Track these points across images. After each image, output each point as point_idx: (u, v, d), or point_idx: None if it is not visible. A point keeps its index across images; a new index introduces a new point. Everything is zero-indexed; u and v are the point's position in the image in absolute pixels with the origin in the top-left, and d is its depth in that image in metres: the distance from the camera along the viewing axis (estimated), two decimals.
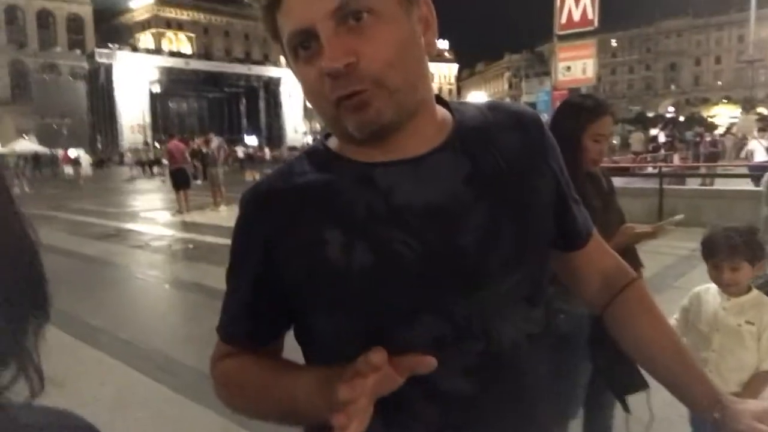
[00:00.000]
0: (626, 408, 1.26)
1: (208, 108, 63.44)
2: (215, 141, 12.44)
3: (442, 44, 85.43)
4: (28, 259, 0.46)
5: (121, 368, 3.71)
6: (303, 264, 0.71)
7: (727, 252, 1.80)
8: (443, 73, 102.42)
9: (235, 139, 43.94)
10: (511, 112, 0.82)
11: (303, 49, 0.69)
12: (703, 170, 12.51)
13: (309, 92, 0.71)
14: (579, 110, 1.93)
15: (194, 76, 55.76)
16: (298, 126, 61.40)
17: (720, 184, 9.66)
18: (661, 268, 5.29)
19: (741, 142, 15.36)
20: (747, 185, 8.54)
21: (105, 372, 3.67)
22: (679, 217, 2.02)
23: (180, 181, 11.71)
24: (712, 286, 1.90)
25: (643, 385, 1.23)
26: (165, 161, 11.94)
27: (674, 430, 2.06)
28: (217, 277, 5.03)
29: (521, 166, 0.77)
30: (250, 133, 57.26)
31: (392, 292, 0.70)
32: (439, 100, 0.79)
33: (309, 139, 54.72)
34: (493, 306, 0.72)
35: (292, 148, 43.19)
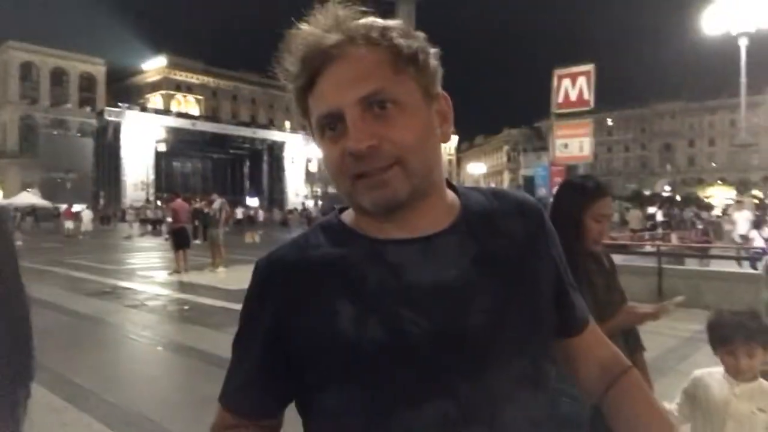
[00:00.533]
0: None
1: (212, 168, 64.41)
2: (217, 201, 12.53)
3: None
4: (20, 321, 0.46)
5: None
6: (314, 334, 0.73)
7: (743, 338, 1.78)
8: (443, 145, 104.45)
9: (238, 200, 44.40)
10: (514, 199, 0.86)
11: (330, 129, 0.74)
12: (700, 251, 12.55)
13: (330, 168, 0.76)
14: (580, 191, 1.98)
15: (200, 136, 57.01)
16: (299, 189, 62.14)
17: (717, 266, 9.68)
18: (663, 350, 5.21)
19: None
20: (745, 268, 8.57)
21: None
22: (680, 298, 2.01)
23: (181, 240, 11.70)
24: (716, 370, 1.86)
25: None
26: (169, 219, 11.96)
27: None
28: (212, 341, 5.05)
29: (524, 252, 0.80)
30: (252, 195, 57.87)
31: (400, 368, 0.71)
32: (449, 184, 0.83)
33: (310, 202, 55.25)
34: (498, 389, 0.73)
35: (291, 211, 43.68)
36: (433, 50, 0.76)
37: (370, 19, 0.74)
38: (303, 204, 50.87)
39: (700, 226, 16.68)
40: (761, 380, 1.82)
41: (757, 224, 10.66)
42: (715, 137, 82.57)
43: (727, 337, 1.81)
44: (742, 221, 10.80)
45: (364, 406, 0.70)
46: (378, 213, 0.75)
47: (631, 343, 2.01)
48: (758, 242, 10.07)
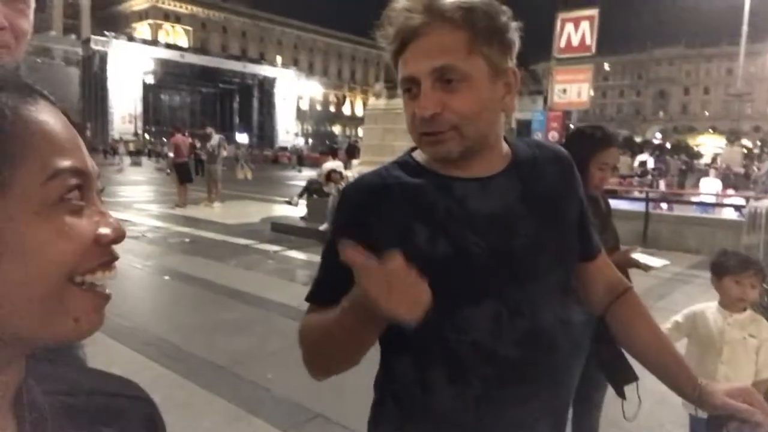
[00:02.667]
0: (623, 395, 1.47)
1: (201, 102, 63.19)
2: (215, 137, 12.48)
3: None
4: None
5: (127, 353, 3.78)
6: (397, 246, 0.86)
7: (755, 270, 2.08)
8: None
9: (227, 136, 43.85)
10: (551, 150, 1.08)
11: (408, 91, 0.94)
12: (687, 197, 12.87)
13: (406, 120, 0.97)
14: (589, 139, 2.16)
15: (189, 69, 55.52)
16: (290, 127, 61.41)
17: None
18: (643, 289, 5.52)
19: (724, 172, 15.82)
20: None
21: (111, 355, 3.77)
22: (664, 262, 2.28)
23: (184, 174, 11.72)
24: (709, 306, 2.17)
25: (635, 377, 1.45)
26: (171, 154, 11.90)
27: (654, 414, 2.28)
28: (216, 272, 5.31)
29: (558, 192, 1.02)
30: (241, 131, 57.15)
31: (464, 278, 0.92)
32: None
33: (300, 141, 54.78)
34: (536, 294, 0.95)
35: (282, 149, 43.40)
36: (514, 25, 0.92)
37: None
38: (294, 146, 50.34)
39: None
40: (750, 311, 2.13)
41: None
42: (710, 86, 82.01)
43: (742, 266, 2.08)
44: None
45: (435, 303, 0.86)
46: (436, 161, 0.95)
47: None
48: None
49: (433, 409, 0.95)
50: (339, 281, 0.89)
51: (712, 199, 10.53)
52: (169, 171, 12.10)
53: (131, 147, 30.94)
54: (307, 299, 1.02)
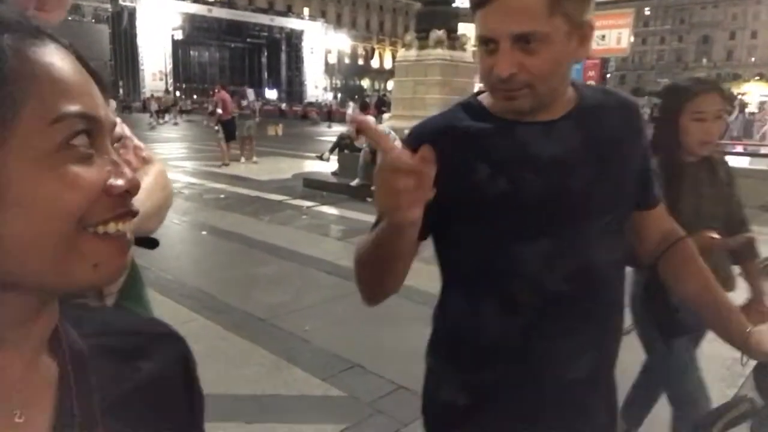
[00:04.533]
0: (669, 347, 1.46)
1: (230, 58, 62.89)
2: (251, 93, 12.45)
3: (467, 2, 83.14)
4: None
5: (170, 304, 3.92)
6: (458, 183, 0.96)
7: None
8: (471, 35, 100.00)
9: (256, 92, 43.81)
10: (617, 97, 1.08)
11: (485, 45, 0.94)
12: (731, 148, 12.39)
13: (480, 72, 0.98)
14: (674, 92, 1.86)
15: (216, 24, 55.06)
16: (318, 82, 60.86)
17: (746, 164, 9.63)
18: None
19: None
20: None
21: (156, 306, 3.92)
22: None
23: (231, 131, 11.70)
24: None
25: (685, 331, 1.43)
26: (219, 110, 11.82)
27: None
28: (251, 227, 5.45)
29: (620, 139, 1.03)
30: (270, 87, 56.98)
31: (519, 216, 0.96)
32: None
33: (329, 96, 54.37)
34: (588, 234, 0.98)
35: (311, 104, 43.21)
36: None
37: None
38: (325, 100, 49.99)
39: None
40: None
41: None
42: (758, 29, 77.56)
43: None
44: None
45: (489, 237, 0.97)
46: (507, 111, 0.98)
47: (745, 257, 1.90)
48: None
49: (484, 338, 1.01)
50: None
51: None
52: (216, 128, 12.06)
53: (163, 102, 31.03)
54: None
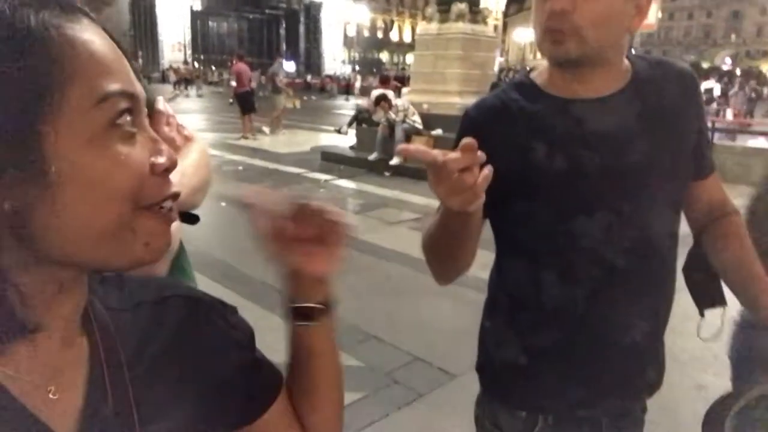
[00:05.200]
0: (702, 314, 1.46)
1: (248, 30, 62.52)
2: (290, 65, 12.34)
3: None
4: None
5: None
6: (516, 162, 0.99)
7: None
8: (493, 8, 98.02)
9: (258, 66, 43.62)
10: (674, 68, 1.08)
11: None
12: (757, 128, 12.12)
13: (533, 16, 0.99)
14: None
15: None
16: (336, 55, 60.37)
17: None
18: None
19: None
20: None
21: None
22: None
23: (247, 104, 11.58)
24: None
25: (721, 302, 1.41)
26: (233, 83, 11.72)
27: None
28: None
29: (677, 111, 1.04)
30: (288, 59, 56.67)
31: (579, 190, 0.99)
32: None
33: (348, 69, 53.95)
34: (649, 207, 1.01)
35: (330, 77, 43.00)
36: None
37: None
38: (343, 73, 49.59)
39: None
40: None
41: None
42: None
43: None
44: None
45: (548, 213, 1.00)
46: (554, 64, 1.00)
47: None
48: None
49: (545, 304, 1.04)
50: None
51: None
52: (231, 101, 11.99)
53: (181, 74, 30.92)
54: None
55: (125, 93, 0.41)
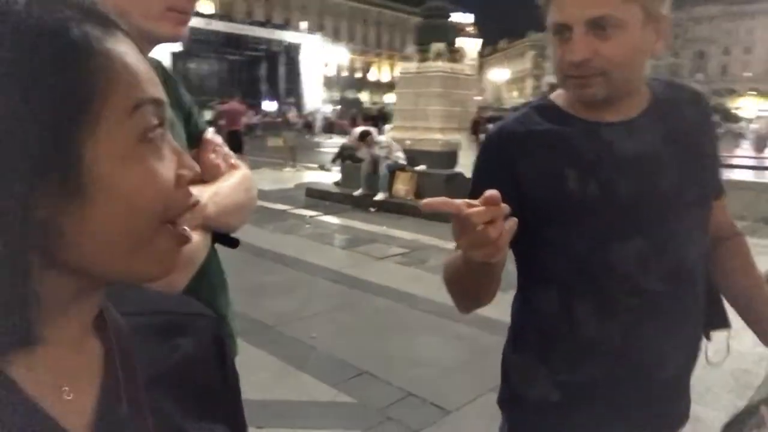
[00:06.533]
0: (708, 338, 1.46)
1: (228, 71, 63.01)
2: (293, 109, 12.49)
3: (467, 18, 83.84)
4: None
5: None
6: (546, 190, 0.97)
7: None
8: (468, 48, 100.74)
9: (255, 105, 43.95)
10: (689, 90, 1.10)
11: (558, 33, 0.95)
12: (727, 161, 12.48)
13: (554, 61, 0.99)
14: None
15: (215, 37, 55.27)
16: (316, 94, 61.17)
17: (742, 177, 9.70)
18: None
19: (765, 136, 15.24)
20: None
21: None
22: None
23: (234, 144, 11.69)
24: None
25: (725, 325, 1.42)
26: (222, 122, 11.76)
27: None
28: (255, 236, 5.49)
29: (698, 132, 1.04)
30: (270, 99, 57.15)
31: (612, 217, 0.96)
32: None
33: (328, 108, 54.57)
34: (681, 231, 0.99)
35: (310, 113, 43.59)
36: None
37: None
38: (323, 114, 50.18)
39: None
40: None
41: None
42: (753, 45, 78.38)
43: None
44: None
45: (581, 239, 0.96)
46: (581, 105, 0.99)
47: None
48: None
49: (580, 338, 1.00)
50: None
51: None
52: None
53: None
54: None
55: (156, 100, 0.42)
